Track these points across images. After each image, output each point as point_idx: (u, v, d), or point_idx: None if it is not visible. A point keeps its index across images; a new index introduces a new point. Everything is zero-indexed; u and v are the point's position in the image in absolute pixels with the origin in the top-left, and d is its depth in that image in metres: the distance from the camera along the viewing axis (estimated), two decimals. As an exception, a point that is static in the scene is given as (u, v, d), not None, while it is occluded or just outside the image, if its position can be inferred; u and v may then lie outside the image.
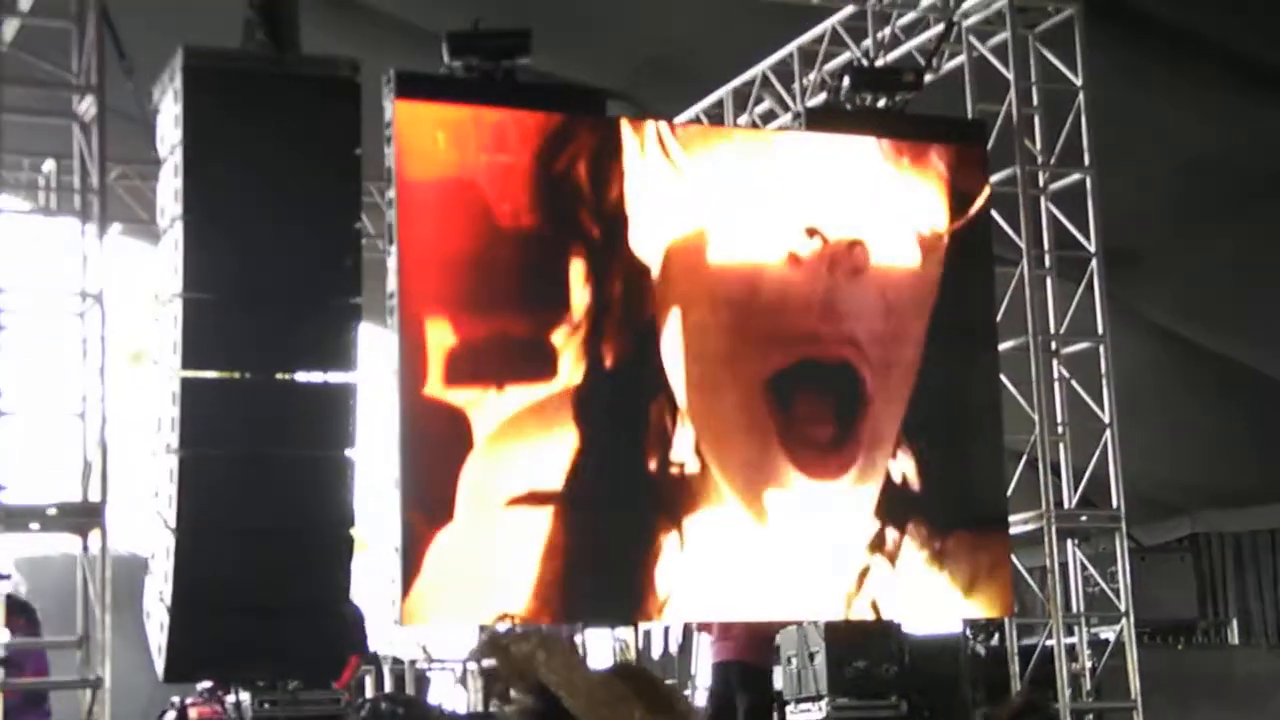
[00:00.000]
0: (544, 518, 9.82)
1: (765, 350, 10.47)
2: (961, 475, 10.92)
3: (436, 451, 9.68)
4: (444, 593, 9.63)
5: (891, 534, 10.63)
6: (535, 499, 9.79)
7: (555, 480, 9.86)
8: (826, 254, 10.64)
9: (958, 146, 11.24)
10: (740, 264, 10.49)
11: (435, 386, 9.65)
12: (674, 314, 10.26)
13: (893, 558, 10.62)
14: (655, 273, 10.27)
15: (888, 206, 10.89)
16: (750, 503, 10.36)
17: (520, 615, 9.84)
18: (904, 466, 10.72)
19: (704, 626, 11.16)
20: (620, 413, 10.17)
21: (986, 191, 11.36)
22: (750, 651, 10.99)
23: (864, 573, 10.54)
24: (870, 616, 10.70)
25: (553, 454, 9.87)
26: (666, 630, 13.77)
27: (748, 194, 10.58)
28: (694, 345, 10.28)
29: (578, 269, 10.08)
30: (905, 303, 10.85)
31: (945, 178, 11.08)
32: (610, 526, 10.05)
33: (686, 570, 10.17)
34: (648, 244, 10.28)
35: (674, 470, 10.22)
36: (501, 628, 11.73)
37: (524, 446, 9.80)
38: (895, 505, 10.66)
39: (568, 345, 9.99)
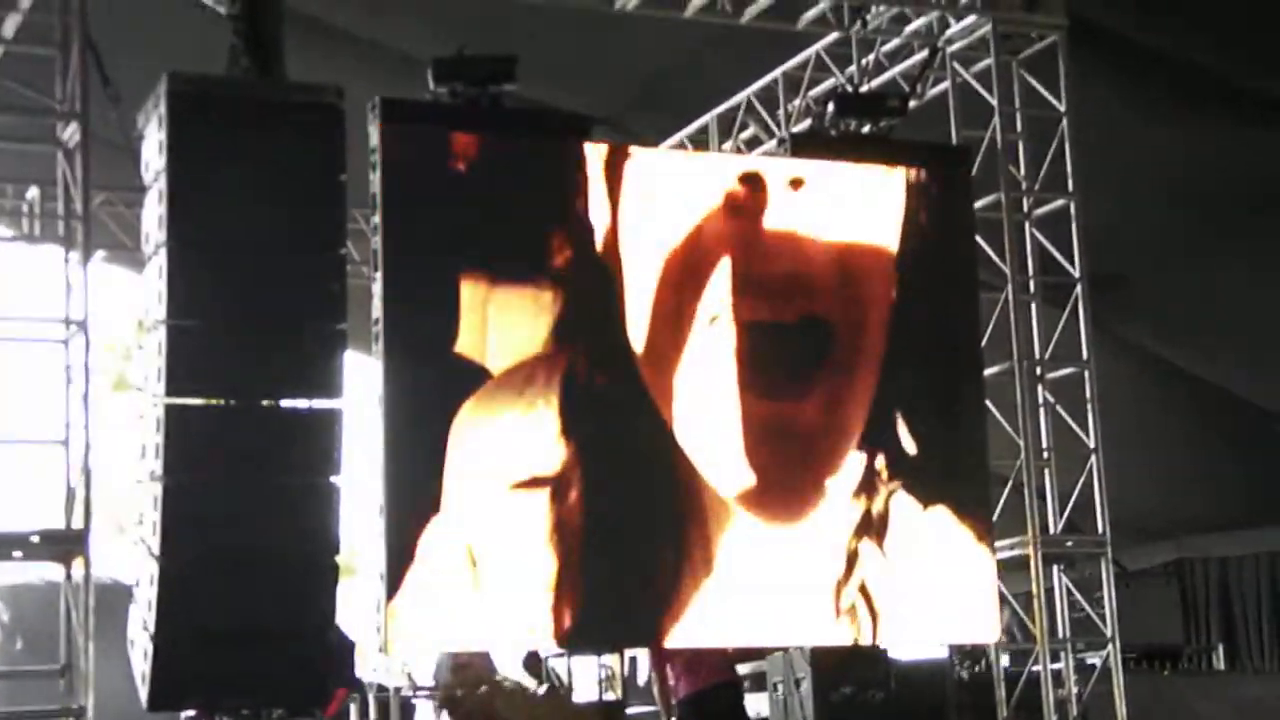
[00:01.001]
0: (539, 499, 9.83)
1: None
2: (947, 500, 10.88)
3: (433, 429, 9.67)
4: (429, 618, 9.60)
5: (879, 554, 10.60)
6: (531, 480, 9.82)
7: (546, 464, 9.88)
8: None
9: (942, 172, 11.25)
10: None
11: (465, 343, 9.76)
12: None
13: (880, 579, 10.59)
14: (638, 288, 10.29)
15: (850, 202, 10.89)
16: (748, 519, 10.36)
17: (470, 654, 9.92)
18: (892, 486, 10.70)
19: (665, 659, 10.91)
20: (608, 429, 10.17)
21: (971, 216, 11.39)
22: (723, 671, 10.91)
23: (853, 594, 10.52)
24: (861, 640, 10.64)
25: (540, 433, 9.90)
26: (652, 657, 13.71)
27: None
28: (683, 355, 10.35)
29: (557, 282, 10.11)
30: (867, 285, 10.83)
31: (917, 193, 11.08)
32: (606, 551, 10.02)
33: (688, 592, 10.17)
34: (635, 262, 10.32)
35: (669, 488, 10.23)
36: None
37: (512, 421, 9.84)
38: (882, 526, 10.64)
39: (551, 356, 10.01)
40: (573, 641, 10.38)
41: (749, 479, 10.35)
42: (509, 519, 9.78)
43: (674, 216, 10.42)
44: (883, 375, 10.75)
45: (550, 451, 9.91)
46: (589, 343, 10.13)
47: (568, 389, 9.98)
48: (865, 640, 10.59)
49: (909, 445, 10.74)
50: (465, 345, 9.80)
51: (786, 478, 10.47)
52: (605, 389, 10.15)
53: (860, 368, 10.73)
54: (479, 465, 9.74)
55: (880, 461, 10.66)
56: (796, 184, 10.67)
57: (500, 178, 10.05)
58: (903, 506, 10.69)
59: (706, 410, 10.32)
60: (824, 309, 10.68)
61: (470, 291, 9.84)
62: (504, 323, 9.90)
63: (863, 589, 10.57)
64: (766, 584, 10.31)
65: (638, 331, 10.24)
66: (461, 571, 9.62)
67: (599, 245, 10.22)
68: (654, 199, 10.38)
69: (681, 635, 10.21)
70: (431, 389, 9.77)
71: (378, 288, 9.77)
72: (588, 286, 10.15)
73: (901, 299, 10.86)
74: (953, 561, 10.80)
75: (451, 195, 9.97)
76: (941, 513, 10.80)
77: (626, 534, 10.08)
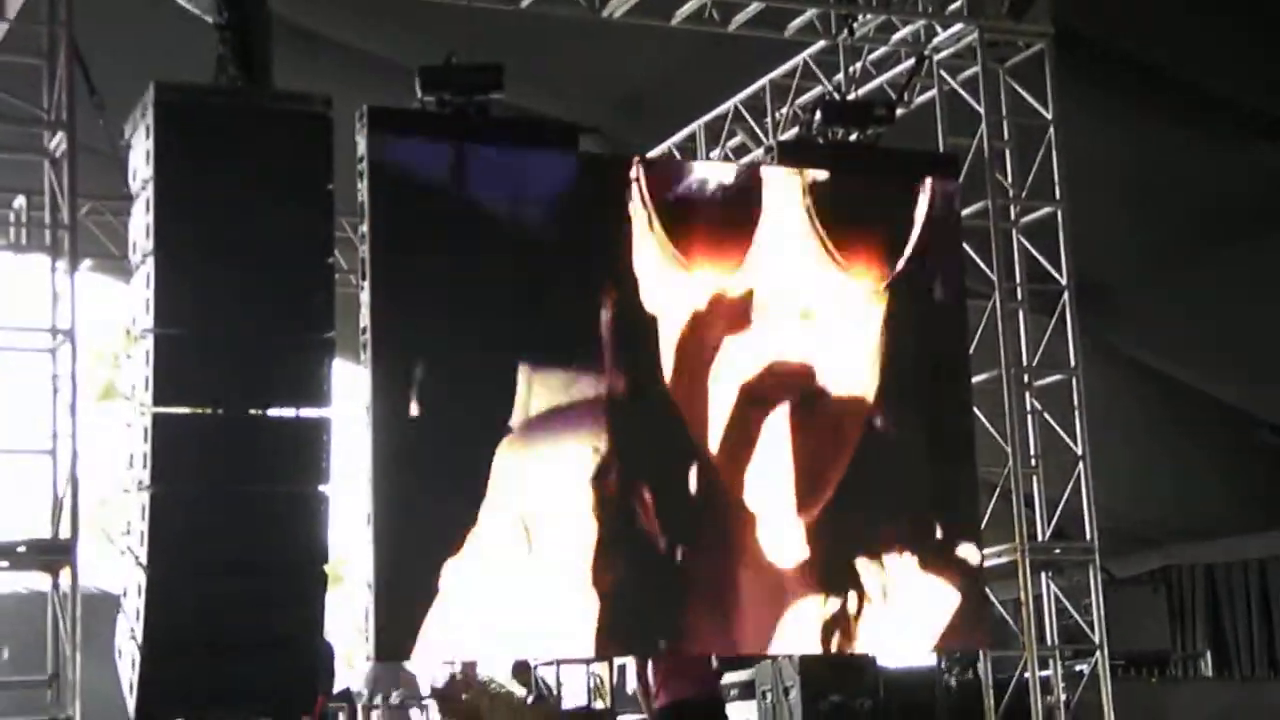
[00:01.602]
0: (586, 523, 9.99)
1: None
2: (936, 506, 10.89)
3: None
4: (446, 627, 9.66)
5: (869, 565, 10.60)
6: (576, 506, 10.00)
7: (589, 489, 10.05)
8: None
9: (929, 180, 11.26)
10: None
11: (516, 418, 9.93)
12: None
13: (870, 589, 10.60)
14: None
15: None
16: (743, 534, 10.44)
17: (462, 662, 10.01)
18: (878, 502, 10.71)
19: (648, 665, 10.91)
20: (648, 420, 10.30)
21: (958, 224, 11.40)
22: (708, 684, 10.88)
23: (843, 604, 10.53)
24: (849, 649, 10.64)
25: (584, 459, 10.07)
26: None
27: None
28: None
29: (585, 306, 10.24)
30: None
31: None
32: (617, 563, 10.10)
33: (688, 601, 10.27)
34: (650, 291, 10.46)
35: (683, 504, 10.34)
36: (446, 673, 11.76)
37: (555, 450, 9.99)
38: (872, 537, 10.65)
39: (584, 375, 10.13)
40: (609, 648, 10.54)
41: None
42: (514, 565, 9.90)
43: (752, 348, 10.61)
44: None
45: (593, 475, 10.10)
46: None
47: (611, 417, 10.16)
48: (851, 610, 10.61)
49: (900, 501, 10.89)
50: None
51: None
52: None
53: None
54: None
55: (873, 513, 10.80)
56: (806, 316, 10.81)
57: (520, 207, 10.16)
58: (895, 564, 10.77)
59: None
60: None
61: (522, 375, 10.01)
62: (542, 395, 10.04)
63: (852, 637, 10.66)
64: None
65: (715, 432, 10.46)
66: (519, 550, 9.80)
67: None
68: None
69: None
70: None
71: (366, 295, 9.77)
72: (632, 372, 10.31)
73: (889, 325, 10.95)
74: (940, 568, 10.81)
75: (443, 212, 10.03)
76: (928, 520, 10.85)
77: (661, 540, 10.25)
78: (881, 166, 11.24)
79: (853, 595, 10.57)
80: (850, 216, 10.98)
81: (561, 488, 10.02)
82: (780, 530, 10.51)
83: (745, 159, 13.45)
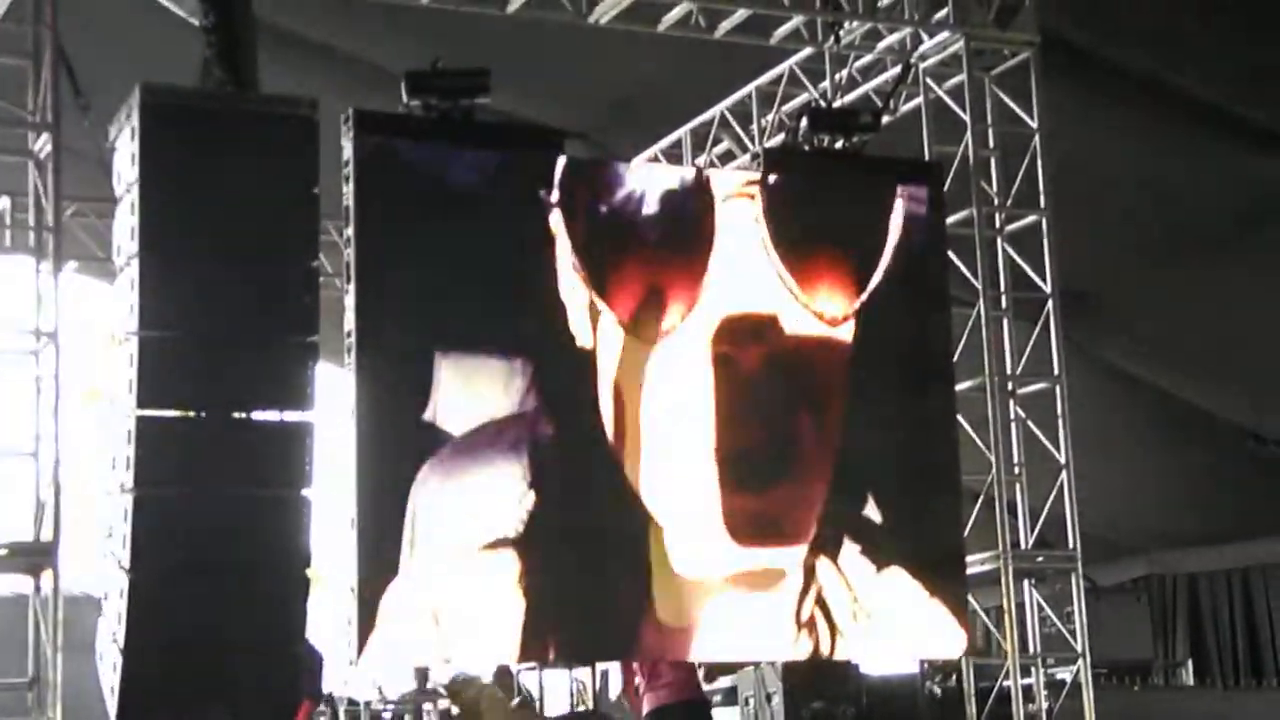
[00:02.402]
0: (505, 558, 9.83)
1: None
2: (919, 515, 10.90)
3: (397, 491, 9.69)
4: (404, 633, 9.60)
5: (849, 572, 10.60)
6: (497, 541, 9.82)
7: (513, 522, 9.87)
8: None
9: (914, 188, 11.26)
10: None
11: (431, 413, 9.77)
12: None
13: (851, 597, 10.59)
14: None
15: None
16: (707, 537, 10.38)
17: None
18: (862, 507, 10.70)
19: (633, 671, 10.90)
20: (573, 452, 10.17)
21: (943, 232, 11.41)
22: (689, 689, 10.86)
23: (823, 611, 10.52)
24: (829, 655, 10.63)
25: (506, 490, 9.91)
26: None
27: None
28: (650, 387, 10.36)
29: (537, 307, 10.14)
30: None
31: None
32: (574, 566, 10.04)
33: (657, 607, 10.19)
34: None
35: (634, 509, 10.22)
36: (449, 671, 11.79)
37: (476, 480, 9.84)
38: (853, 543, 10.64)
39: (519, 379, 10.02)
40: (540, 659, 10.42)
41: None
42: (475, 579, 9.78)
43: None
44: (850, 398, 10.80)
45: (516, 507, 9.94)
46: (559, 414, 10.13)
47: (534, 450, 9.99)
48: (825, 653, 10.57)
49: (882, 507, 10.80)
50: (432, 412, 9.82)
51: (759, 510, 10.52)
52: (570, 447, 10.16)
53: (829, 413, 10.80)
54: (443, 527, 9.74)
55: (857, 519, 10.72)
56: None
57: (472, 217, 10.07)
58: (877, 572, 10.72)
59: (677, 474, 10.35)
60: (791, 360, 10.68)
61: (444, 365, 9.87)
62: (471, 390, 9.91)
63: (820, 601, 10.56)
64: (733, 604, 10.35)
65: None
66: (427, 632, 9.63)
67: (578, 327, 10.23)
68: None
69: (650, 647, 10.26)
70: (396, 450, 9.75)
71: (350, 300, 9.77)
72: (560, 362, 10.17)
73: (867, 322, 10.85)
74: (921, 574, 10.81)
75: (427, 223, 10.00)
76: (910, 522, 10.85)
77: (592, 567, 10.13)
78: (866, 174, 11.22)
79: (823, 597, 10.56)
80: (816, 229, 10.85)
81: (486, 508, 9.89)
82: (736, 536, 10.42)
83: (730, 165, 13.46)
